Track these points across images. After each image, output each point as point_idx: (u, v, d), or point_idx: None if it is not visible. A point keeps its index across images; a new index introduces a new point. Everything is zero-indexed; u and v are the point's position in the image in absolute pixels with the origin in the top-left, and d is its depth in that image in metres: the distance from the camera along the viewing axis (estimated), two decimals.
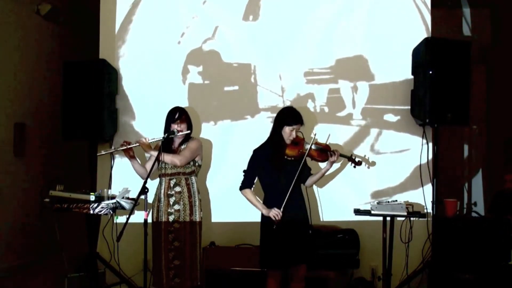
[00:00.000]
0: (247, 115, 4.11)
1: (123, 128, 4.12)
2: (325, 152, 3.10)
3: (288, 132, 3.08)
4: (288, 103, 4.03)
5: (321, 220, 3.93)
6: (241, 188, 3.15)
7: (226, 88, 4.15)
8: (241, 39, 4.13)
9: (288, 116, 3.11)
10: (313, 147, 3.08)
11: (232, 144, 4.05)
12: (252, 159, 3.17)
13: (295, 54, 4.09)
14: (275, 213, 2.96)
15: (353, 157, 3.21)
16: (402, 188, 3.93)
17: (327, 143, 3.17)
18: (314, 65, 4.07)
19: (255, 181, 3.17)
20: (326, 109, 4.06)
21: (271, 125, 3.11)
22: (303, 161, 3.03)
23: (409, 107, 3.91)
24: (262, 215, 3.07)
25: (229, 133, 4.09)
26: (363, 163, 3.33)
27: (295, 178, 2.99)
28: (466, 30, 5.76)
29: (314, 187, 3.82)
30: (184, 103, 3.96)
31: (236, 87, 4.14)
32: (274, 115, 3.24)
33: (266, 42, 4.11)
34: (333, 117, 4.04)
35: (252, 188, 3.17)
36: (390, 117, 4.00)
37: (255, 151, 3.18)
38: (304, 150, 3.07)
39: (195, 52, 4.17)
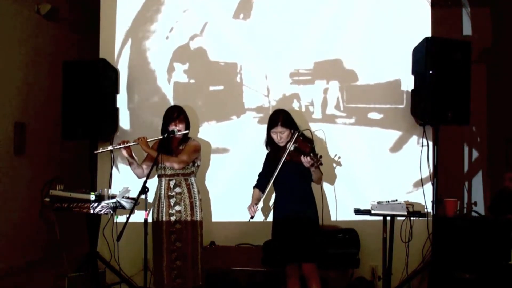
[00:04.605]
0: (233, 116, 4.07)
1: (123, 127, 4.11)
2: (298, 151, 3.02)
3: (274, 137, 3.14)
4: (273, 103, 4.01)
5: (334, 219, 3.88)
6: (253, 187, 3.33)
7: (211, 88, 4.12)
8: (229, 38, 4.09)
9: (268, 121, 3.20)
10: (292, 148, 3.05)
11: (220, 145, 4.03)
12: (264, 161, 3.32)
13: (283, 55, 4.04)
14: (248, 207, 3.17)
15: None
16: (402, 188, 3.92)
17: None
18: (305, 65, 4.02)
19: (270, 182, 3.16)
20: (312, 109, 4.02)
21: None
22: (280, 162, 3.06)
23: (409, 107, 3.90)
24: None
25: (215, 133, 4.05)
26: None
27: (273, 178, 3.07)
28: (466, 30, 5.75)
29: (328, 186, 3.85)
30: (170, 103, 3.93)
31: (222, 87, 4.11)
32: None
33: (254, 42, 4.07)
34: (326, 117, 4.02)
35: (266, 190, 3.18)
36: (390, 117, 3.99)
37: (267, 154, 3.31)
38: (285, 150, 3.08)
39: (182, 49, 4.13)
